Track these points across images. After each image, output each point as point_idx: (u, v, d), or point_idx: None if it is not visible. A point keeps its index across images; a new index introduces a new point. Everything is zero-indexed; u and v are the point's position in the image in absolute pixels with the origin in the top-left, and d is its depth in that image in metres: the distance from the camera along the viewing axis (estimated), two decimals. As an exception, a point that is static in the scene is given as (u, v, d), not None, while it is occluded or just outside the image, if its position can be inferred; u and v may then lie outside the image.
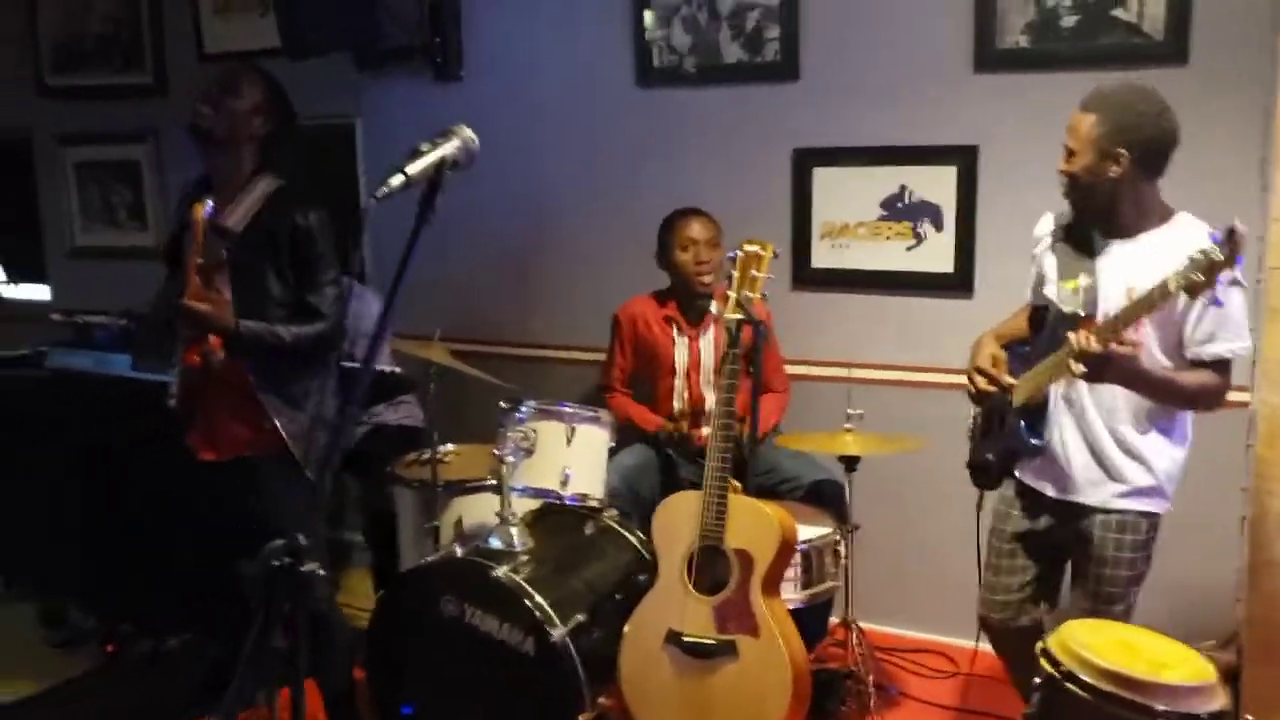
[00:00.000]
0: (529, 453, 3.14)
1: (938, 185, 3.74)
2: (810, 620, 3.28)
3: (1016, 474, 2.77)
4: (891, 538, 3.89)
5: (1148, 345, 2.47)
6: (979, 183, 3.67)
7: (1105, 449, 2.59)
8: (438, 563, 3.01)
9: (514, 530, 3.04)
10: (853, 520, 3.35)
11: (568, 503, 3.16)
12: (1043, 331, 2.70)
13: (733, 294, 2.83)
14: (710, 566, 2.79)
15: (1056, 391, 2.63)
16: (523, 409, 3.17)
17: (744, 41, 3.94)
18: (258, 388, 2.91)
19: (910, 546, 3.92)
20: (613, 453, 3.44)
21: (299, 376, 2.98)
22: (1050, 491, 2.68)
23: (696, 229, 3.68)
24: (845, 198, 3.89)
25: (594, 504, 3.22)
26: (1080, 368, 2.33)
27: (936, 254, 3.78)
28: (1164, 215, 2.55)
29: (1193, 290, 2.20)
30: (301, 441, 2.96)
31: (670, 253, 3.72)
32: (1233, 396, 3.24)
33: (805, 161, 3.92)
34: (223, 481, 3.01)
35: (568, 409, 3.17)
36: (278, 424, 2.92)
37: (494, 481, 3.09)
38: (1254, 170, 3.23)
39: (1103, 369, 2.35)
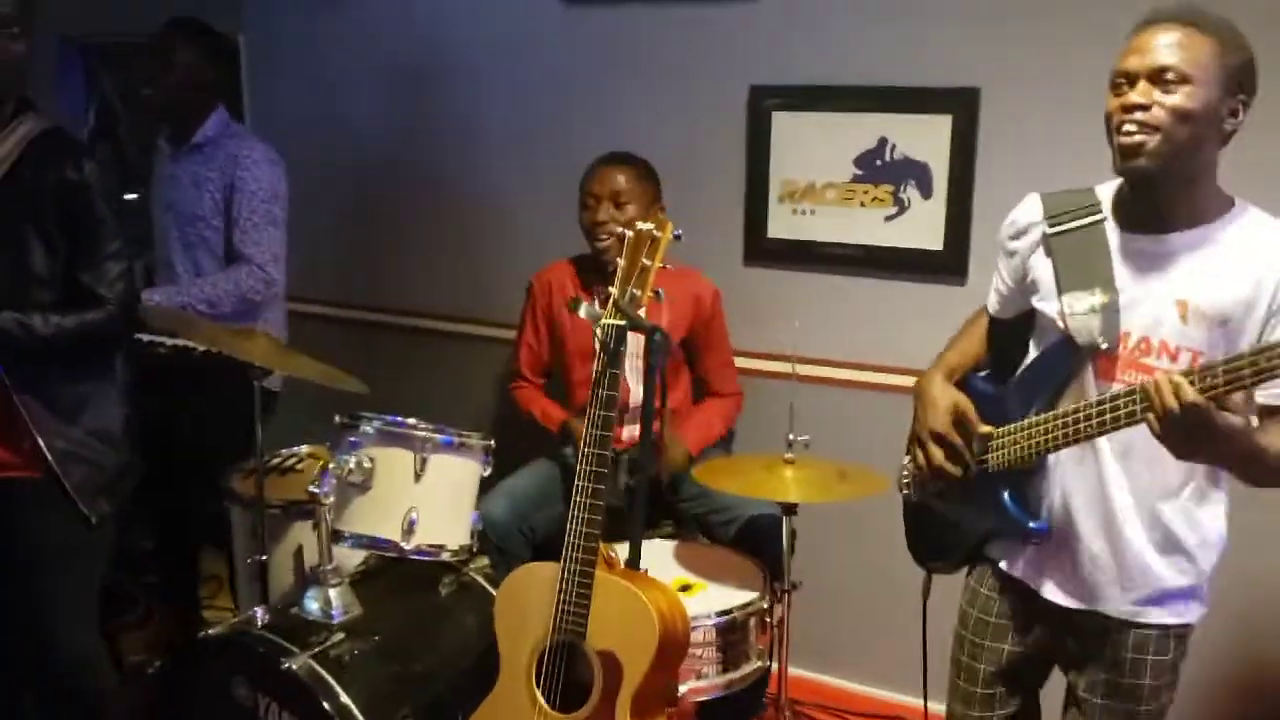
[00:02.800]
0: (363, 489, 2.38)
1: (927, 139, 2.92)
2: (737, 706, 2.57)
3: (996, 560, 1.98)
4: (843, 580, 3.15)
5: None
6: (979, 136, 2.86)
7: (1131, 535, 1.81)
8: (230, 634, 2.28)
9: (333, 593, 2.32)
10: (790, 576, 2.58)
11: (411, 558, 2.40)
12: (1030, 364, 1.91)
13: (613, 290, 2.04)
14: (568, 669, 2.04)
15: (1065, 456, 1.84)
16: (360, 430, 2.41)
17: (690, -51, 3.10)
18: (14, 393, 2.25)
19: (867, 592, 3.16)
20: (499, 475, 2.70)
21: (69, 380, 2.32)
22: (1050, 594, 1.90)
23: (602, 180, 2.90)
24: (811, 151, 3.09)
25: (449, 556, 2.47)
26: (1159, 428, 1.57)
27: (922, 226, 2.97)
28: (1224, 203, 1.76)
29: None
30: (74, 464, 2.30)
31: (579, 208, 2.95)
32: None
33: (763, 103, 3.11)
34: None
35: (419, 431, 2.40)
36: (39, 441, 2.27)
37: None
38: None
39: (1200, 438, 1.57)
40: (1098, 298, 1.76)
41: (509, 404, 3.20)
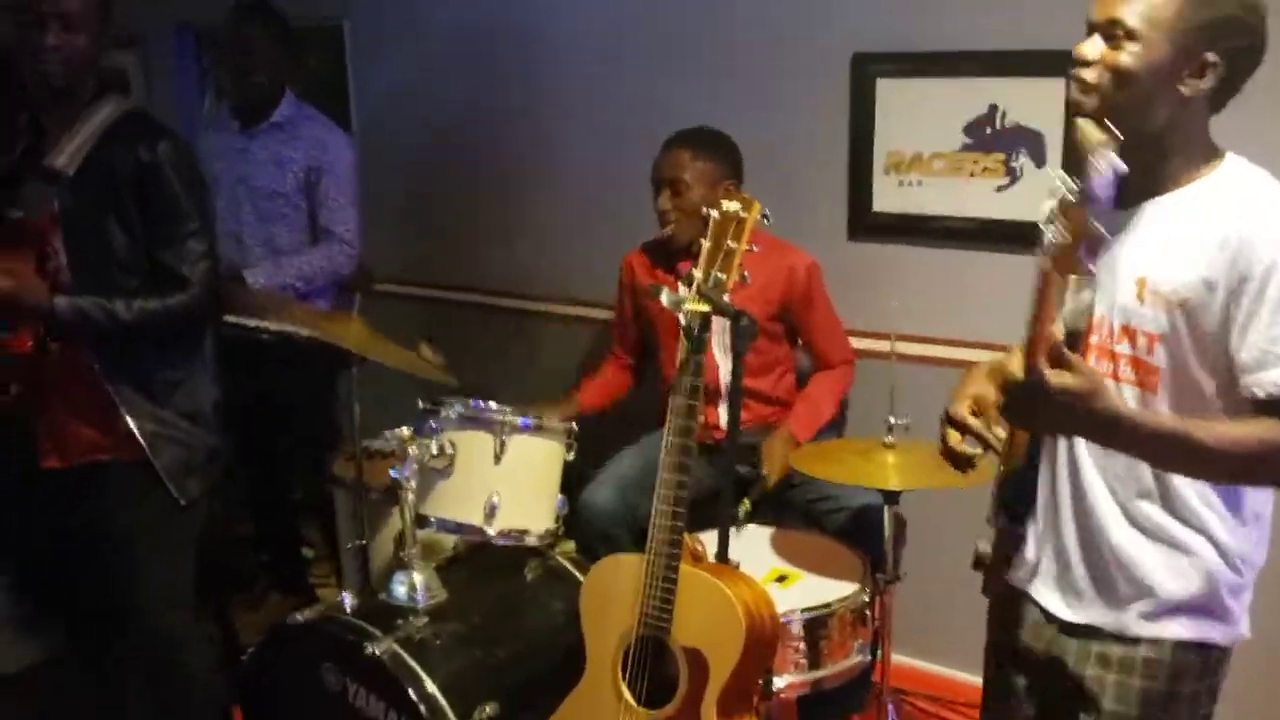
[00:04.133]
0: (445, 473, 2.36)
1: (1039, 105, 2.75)
2: (840, 698, 2.47)
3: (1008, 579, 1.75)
4: (951, 567, 3.00)
5: (1164, 383, 1.52)
6: (1098, 101, 2.65)
7: (1116, 540, 1.59)
8: (318, 620, 2.29)
9: (418, 578, 2.30)
10: (894, 567, 2.47)
11: (494, 543, 2.37)
12: None
13: (697, 274, 1.95)
14: (655, 663, 1.97)
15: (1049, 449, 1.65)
16: (440, 414, 2.38)
17: (790, -89, 2.98)
18: (106, 379, 2.29)
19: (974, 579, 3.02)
20: (603, 455, 2.64)
21: (160, 363, 2.35)
22: (1051, 604, 1.68)
23: (662, 165, 2.83)
24: (918, 120, 2.94)
25: (534, 540, 2.43)
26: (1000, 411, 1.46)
27: (1035, 197, 2.74)
28: (1201, 165, 1.55)
29: (1062, 268, 1.31)
30: (165, 446, 2.31)
31: None
32: None
33: (867, 70, 2.97)
34: (67, 494, 2.37)
35: (497, 415, 2.36)
36: (131, 425, 2.30)
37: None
38: None
39: (1032, 409, 1.38)
40: (1070, 281, 1.49)
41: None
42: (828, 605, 2.32)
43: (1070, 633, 1.65)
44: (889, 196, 3.02)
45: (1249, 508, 1.59)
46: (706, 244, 1.97)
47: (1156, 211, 1.54)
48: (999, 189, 2.86)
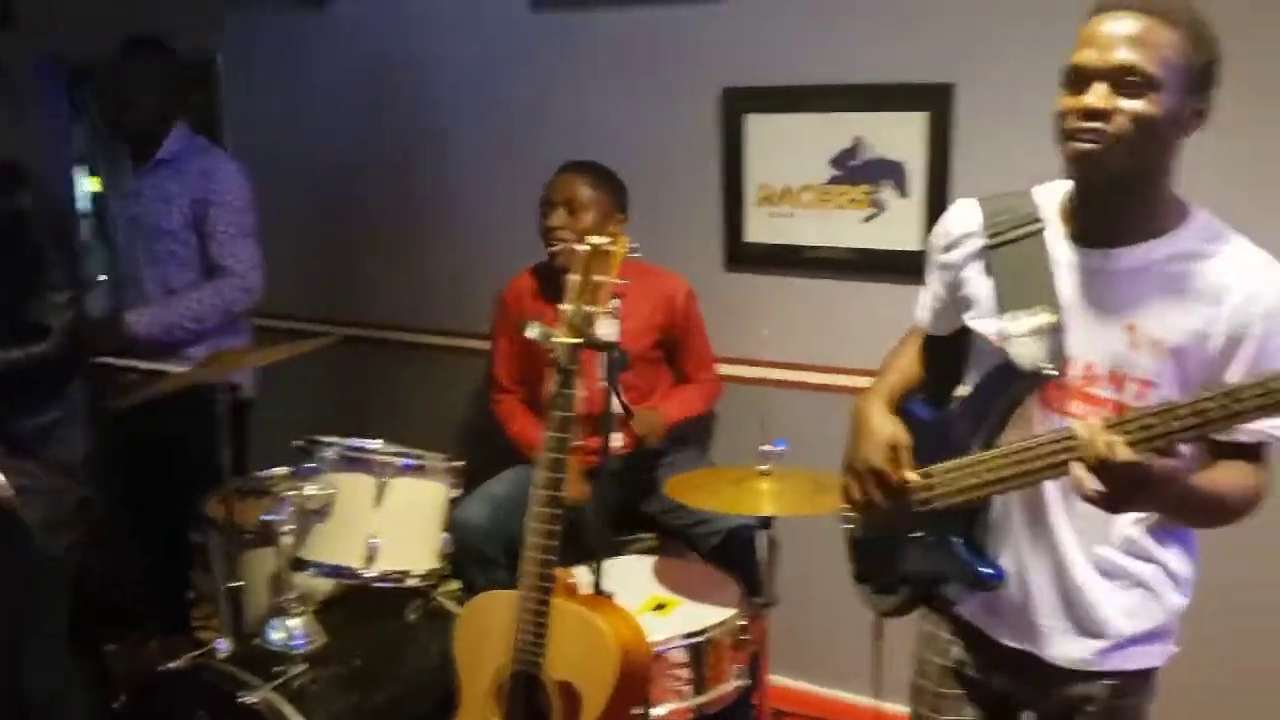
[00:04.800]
0: (323, 515, 2.33)
1: (901, 137, 2.85)
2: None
3: (951, 603, 1.76)
4: (830, 588, 3.07)
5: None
6: (953, 134, 2.77)
7: (1081, 580, 1.63)
8: (191, 668, 2.24)
9: (295, 623, 2.27)
10: (770, 589, 2.52)
11: (373, 585, 2.35)
12: (971, 392, 1.66)
13: (567, 307, 1.98)
14: (529, 699, 1.98)
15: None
16: (318, 455, 2.36)
17: (657, -49, 3.04)
18: None
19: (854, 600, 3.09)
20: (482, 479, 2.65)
21: (28, 412, 2.28)
22: (1007, 639, 1.72)
23: (559, 186, 2.89)
24: (787, 153, 3.01)
25: (416, 581, 2.41)
26: (1094, 485, 1.37)
27: (900, 227, 2.90)
28: (1180, 213, 1.56)
29: None
30: (33, 498, 2.25)
31: (539, 215, 2.93)
32: None
33: (736, 105, 3.04)
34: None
35: (378, 456, 2.35)
36: None
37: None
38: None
39: (1133, 492, 1.38)
40: (1041, 318, 1.56)
41: (489, 415, 3.15)
42: (705, 631, 2.35)
43: (1023, 663, 1.70)
44: (761, 228, 3.09)
45: (1193, 534, 1.67)
46: (575, 277, 2.00)
47: (1139, 259, 1.54)
48: (865, 219, 2.94)
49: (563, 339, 1.96)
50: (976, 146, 2.76)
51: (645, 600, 2.48)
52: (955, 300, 1.74)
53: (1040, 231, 1.62)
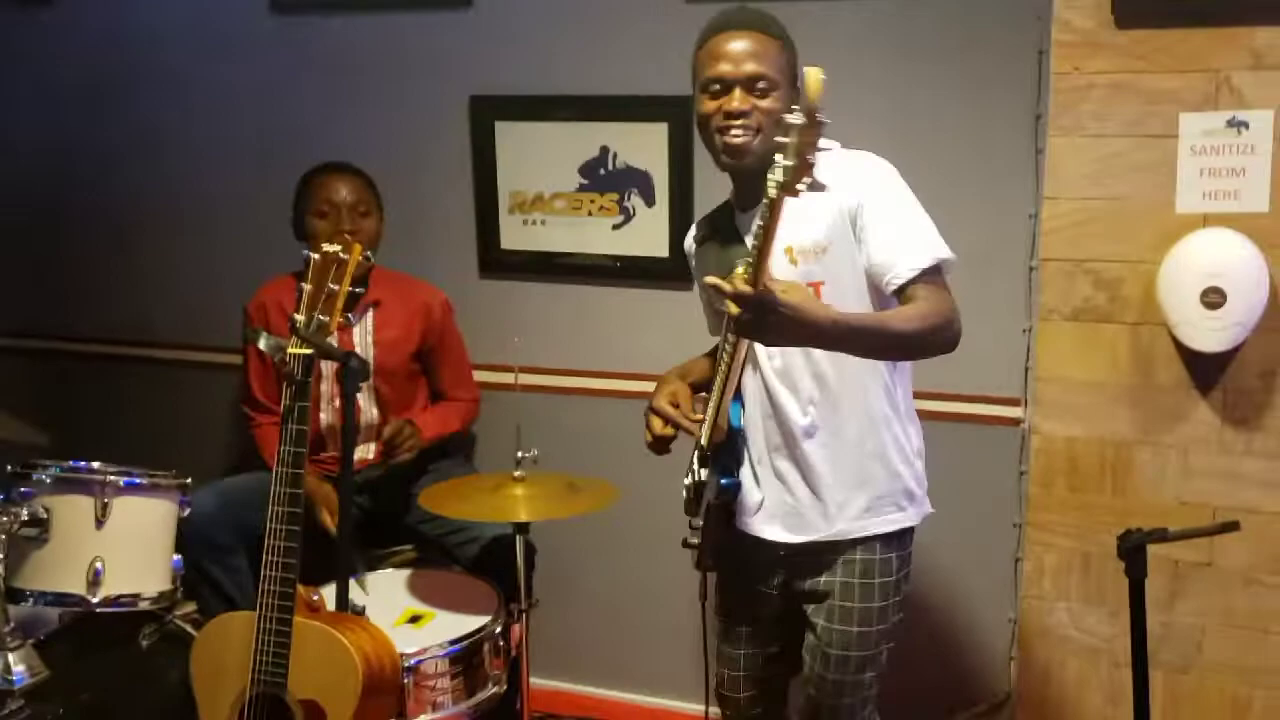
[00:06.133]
0: (40, 541, 2.19)
1: (647, 147, 2.92)
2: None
3: (741, 527, 2.10)
4: (594, 589, 3.14)
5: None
6: (696, 143, 2.83)
7: (822, 462, 1.98)
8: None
9: (13, 657, 2.12)
10: (527, 595, 2.53)
11: (101, 612, 2.22)
12: (718, 350, 2.04)
13: (299, 318, 1.93)
14: (271, 720, 1.92)
15: (751, 410, 2.04)
16: (32, 479, 2.20)
17: (402, -44, 3.01)
18: None
19: (616, 600, 3.16)
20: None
21: None
22: (774, 534, 2.04)
23: (338, 189, 2.80)
24: (537, 161, 3.04)
25: (148, 604, 2.30)
26: (736, 310, 1.62)
27: (648, 234, 2.97)
28: None
29: (790, 184, 1.50)
30: None
31: (304, 219, 2.83)
32: (1003, 411, 2.69)
33: (485, 113, 3.04)
34: None
35: (97, 476, 2.22)
36: None
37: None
38: (1026, 126, 2.54)
39: (768, 319, 1.61)
40: (739, 271, 1.74)
41: (236, 434, 3.03)
42: (461, 640, 2.34)
43: (797, 554, 2.01)
44: (515, 235, 3.10)
45: (907, 403, 2.03)
46: (308, 286, 1.95)
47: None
48: (615, 227, 3.00)
49: (295, 350, 1.91)
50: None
51: (400, 613, 2.45)
52: (709, 301, 2.14)
53: (731, 215, 2.07)
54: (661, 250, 2.96)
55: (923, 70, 2.61)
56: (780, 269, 1.83)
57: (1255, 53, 2.22)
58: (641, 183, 2.95)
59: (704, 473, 2.09)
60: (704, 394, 2.08)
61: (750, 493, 2.05)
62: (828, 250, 1.90)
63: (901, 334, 1.79)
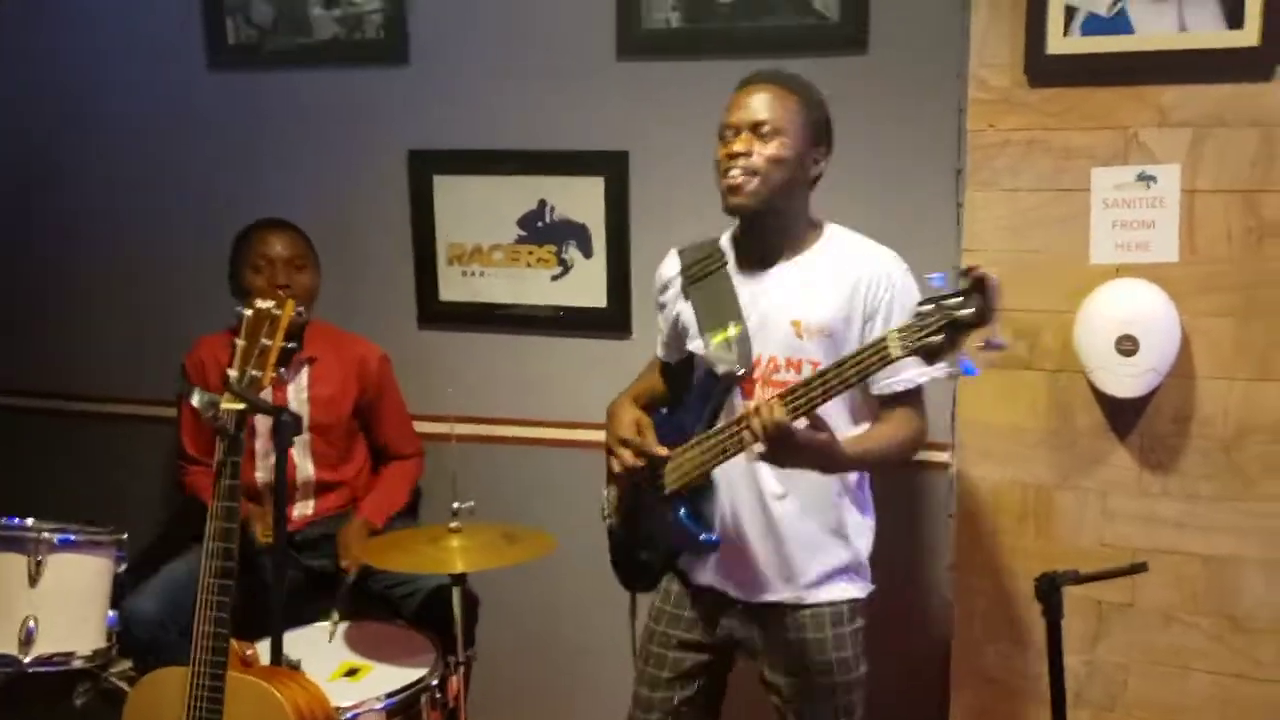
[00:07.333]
0: (-31, 601, 2.17)
1: (584, 200, 2.98)
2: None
3: (685, 572, 2.19)
4: (529, 640, 3.15)
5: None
6: (631, 197, 2.93)
7: (787, 533, 2.07)
8: None
9: (-62, 721, 2.08)
10: (466, 646, 2.53)
11: (33, 671, 2.20)
12: (691, 394, 2.14)
13: (232, 373, 1.94)
14: (202, 779, 1.91)
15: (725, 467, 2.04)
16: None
17: (339, 15, 3.05)
18: None
19: (552, 655, 3.17)
20: (146, 572, 2.51)
21: None
22: (734, 591, 2.13)
23: (273, 244, 2.85)
24: (476, 214, 3.09)
25: (82, 663, 2.28)
26: (759, 448, 1.79)
27: (586, 285, 3.02)
28: (817, 231, 2.09)
29: (932, 355, 1.62)
30: None
31: (241, 274, 2.86)
32: (934, 456, 2.74)
33: (423, 167, 3.09)
34: None
35: (31, 533, 2.21)
36: None
37: None
38: (948, 180, 2.61)
39: (791, 452, 1.79)
40: (731, 331, 2.00)
41: (173, 488, 3.01)
42: (397, 693, 2.34)
43: (752, 612, 2.11)
44: (454, 286, 3.14)
45: (867, 484, 2.15)
46: (241, 342, 1.97)
47: (792, 271, 2.03)
48: (554, 278, 3.05)
49: (228, 405, 1.93)
50: (650, 209, 2.92)
51: (337, 667, 2.45)
52: (676, 332, 2.21)
53: (724, 265, 2.10)
54: (599, 301, 3.01)
55: (850, 125, 2.69)
56: (781, 339, 2.00)
57: (1162, 110, 2.31)
58: (579, 235, 3.00)
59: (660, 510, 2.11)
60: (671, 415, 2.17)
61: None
62: (831, 334, 1.99)
63: (892, 461, 2.02)
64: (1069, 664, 2.03)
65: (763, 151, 1.95)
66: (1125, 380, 2.32)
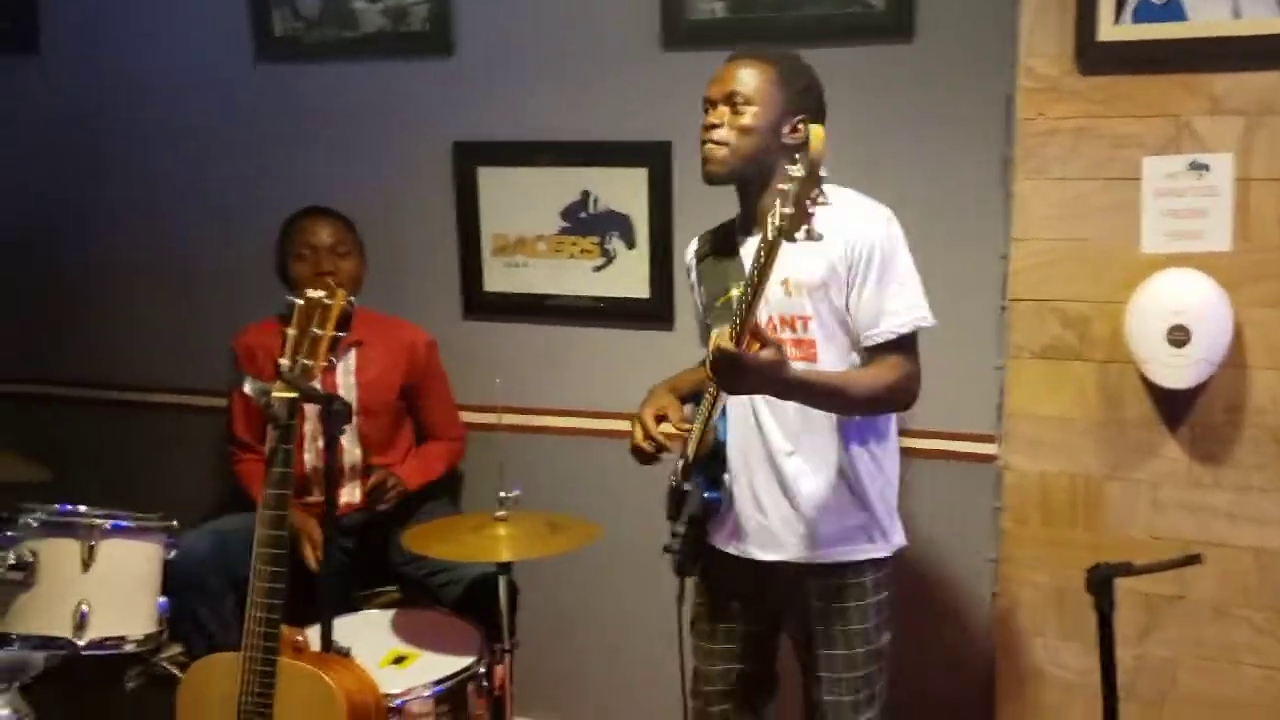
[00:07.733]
0: (26, 585, 2.21)
1: (627, 191, 2.98)
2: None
3: (713, 543, 2.20)
4: (574, 628, 3.16)
5: (821, 350, 2.04)
6: (674, 187, 2.92)
7: (800, 485, 2.07)
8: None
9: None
10: (510, 634, 2.55)
11: (87, 654, 2.24)
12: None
13: (284, 361, 1.96)
14: (256, 762, 1.94)
15: (734, 427, 2.13)
16: (19, 524, 2.23)
17: (384, 8, 3.07)
18: None
19: (599, 639, 3.18)
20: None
21: None
22: (756, 553, 2.13)
23: (317, 231, 2.87)
24: (520, 205, 3.10)
25: (134, 647, 2.31)
26: (712, 360, 1.81)
27: (629, 275, 3.02)
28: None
29: (788, 230, 1.61)
30: None
31: (287, 262, 2.89)
32: (977, 448, 2.72)
33: (468, 159, 3.10)
34: None
35: (84, 519, 2.25)
36: None
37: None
38: (995, 169, 2.59)
39: (737, 375, 1.80)
40: (734, 292, 1.96)
41: (216, 477, 3.05)
42: (445, 680, 2.36)
43: (769, 573, 2.10)
44: (498, 277, 3.15)
45: (889, 434, 2.13)
46: (292, 331, 1.99)
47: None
48: (596, 269, 3.05)
49: (280, 393, 1.95)
50: (694, 199, 2.91)
51: (385, 654, 2.47)
52: (701, 312, 2.25)
53: (733, 236, 2.16)
54: (642, 291, 3.01)
55: (898, 115, 2.68)
56: (775, 299, 2.01)
57: (1214, 98, 2.29)
58: (622, 226, 3.00)
59: (687, 484, 2.17)
60: (692, 403, 2.18)
61: (726, 508, 2.13)
62: (821, 288, 2.02)
63: (857, 399, 1.99)
64: (1118, 657, 2.01)
65: (734, 123, 2.00)
66: (1177, 371, 2.30)
